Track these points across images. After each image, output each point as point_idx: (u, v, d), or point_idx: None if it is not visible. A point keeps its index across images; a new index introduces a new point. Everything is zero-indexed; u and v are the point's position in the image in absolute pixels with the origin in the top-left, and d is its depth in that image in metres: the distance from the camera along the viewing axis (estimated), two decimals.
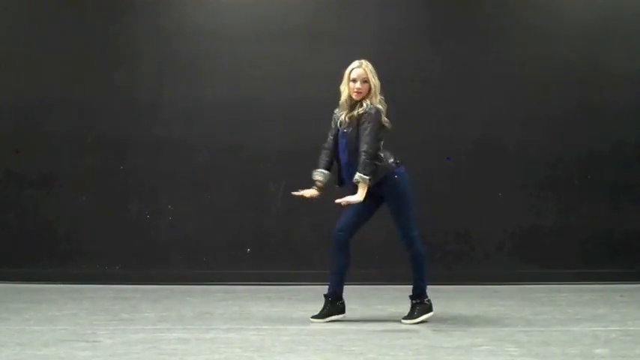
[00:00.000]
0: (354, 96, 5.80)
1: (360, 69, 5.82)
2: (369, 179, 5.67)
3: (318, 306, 6.72)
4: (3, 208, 8.14)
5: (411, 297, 6.03)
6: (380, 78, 8.12)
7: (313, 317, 5.98)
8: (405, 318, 5.96)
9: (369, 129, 5.72)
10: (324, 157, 5.96)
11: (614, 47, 8.18)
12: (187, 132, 8.14)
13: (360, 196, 5.67)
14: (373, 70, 5.86)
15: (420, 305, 5.98)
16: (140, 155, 8.14)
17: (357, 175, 5.66)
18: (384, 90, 8.19)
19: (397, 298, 7.15)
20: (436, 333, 5.57)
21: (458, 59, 8.15)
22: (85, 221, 8.09)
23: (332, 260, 5.99)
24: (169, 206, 8.15)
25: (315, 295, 7.29)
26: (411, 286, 6.06)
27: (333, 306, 6.00)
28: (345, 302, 6.05)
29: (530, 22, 8.20)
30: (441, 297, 7.13)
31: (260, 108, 8.11)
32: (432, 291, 7.52)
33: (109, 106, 8.13)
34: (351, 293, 7.35)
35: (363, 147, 5.68)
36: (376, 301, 7.02)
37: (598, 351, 4.94)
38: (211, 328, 5.71)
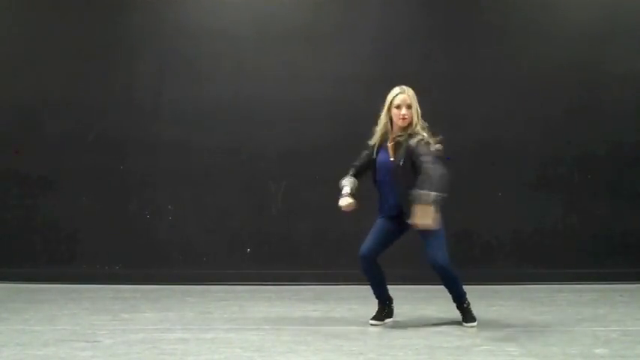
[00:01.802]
0: (399, 122, 5.70)
1: (403, 95, 5.74)
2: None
3: (319, 306, 6.74)
4: (3, 208, 8.14)
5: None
6: (379, 78, 8.18)
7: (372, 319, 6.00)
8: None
9: (429, 157, 5.54)
10: (352, 170, 6.05)
11: (614, 47, 8.18)
12: (187, 132, 8.14)
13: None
14: (415, 96, 5.79)
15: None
16: (140, 155, 8.14)
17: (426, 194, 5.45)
18: (384, 90, 8.24)
19: (397, 298, 7.15)
20: (436, 333, 5.57)
21: (458, 59, 8.15)
22: (85, 221, 8.09)
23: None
24: (169, 206, 8.14)
25: (315, 295, 7.30)
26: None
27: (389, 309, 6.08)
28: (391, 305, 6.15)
29: (530, 22, 8.20)
30: (441, 297, 7.13)
31: (260, 108, 8.11)
32: (432, 291, 7.55)
33: (109, 106, 8.13)
34: (352, 293, 7.36)
35: (434, 171, 5.48)
36: (376, 301, 7.00)
37: (598, 351, 4.94)
38: (211, 328, 5.71)
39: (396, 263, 8.01)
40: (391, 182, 5.74)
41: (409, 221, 5.57)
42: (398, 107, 5.71)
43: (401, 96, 5.73)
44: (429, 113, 8.10)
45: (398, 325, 5.87)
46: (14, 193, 8.14)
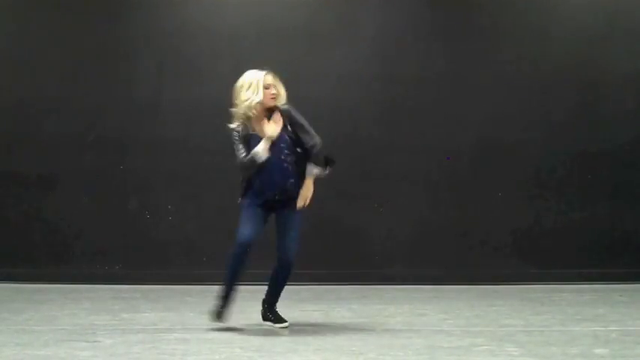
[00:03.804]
0: (270, 102, 5.62)
1: (270, 75, 5.66)
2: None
3: (318, 306, 6.75)
4: (3, 208, 8.14)
5: (273, 304, 5.89)
6: (380, 78, 8.19)
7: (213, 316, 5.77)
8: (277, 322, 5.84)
9: (306, 124, 5.71)
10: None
11: (613, 48, 8.19)
12: (187, 132, 8.14)
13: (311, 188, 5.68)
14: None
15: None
16: (140, 155, 8.14)
17: (318, 170, 5.64)
18: (384, 90, 8.26)
19: (397, 298, 7.16)
20: (436, 333, 5.57)
21: (458, 59, 8.15)
22: (85, 221, 8.09)
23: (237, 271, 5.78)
24: (169, 206, 8.15)
25: (315, 295, 7.31)
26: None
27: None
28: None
29: (530, 22, 8.20)
30: (441, 297, 7.14)
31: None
32: (432, 291, 7.56)
33: (109, 106, 8.14)
34: (351, 293, 7.37)
35: (315, 140, 5.65)
36: (376, 301, 7.02)
37: (598, 351, 4.94)
38: (211, 328, 5.71)
39: (396, 263, 8.05)
40: (279, 162, 5.60)
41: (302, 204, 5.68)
42: (267, 87, 5.63)
43: (269, 76, 5.65)
44: (429, 113, 8.17)
45: (398, 325, 5.86)
46: (14, 193, 8.14)
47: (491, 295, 7.33)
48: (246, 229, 5.72)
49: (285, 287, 7.69)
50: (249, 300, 7.02)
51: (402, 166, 8.08)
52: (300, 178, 5.67)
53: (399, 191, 8.08)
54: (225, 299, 5.81)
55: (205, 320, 6.07)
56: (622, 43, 8.19)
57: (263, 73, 5.65)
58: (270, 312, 5.88)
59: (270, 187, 5.64)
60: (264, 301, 5.91)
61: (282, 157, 5.61)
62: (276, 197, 5.69)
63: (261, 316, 5.92)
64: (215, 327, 5.78)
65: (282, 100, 5.70)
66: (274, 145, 5.60)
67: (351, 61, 8.16)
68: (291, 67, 8.12)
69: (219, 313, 5.79)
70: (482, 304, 6.76)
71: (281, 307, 6.68)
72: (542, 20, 8.21)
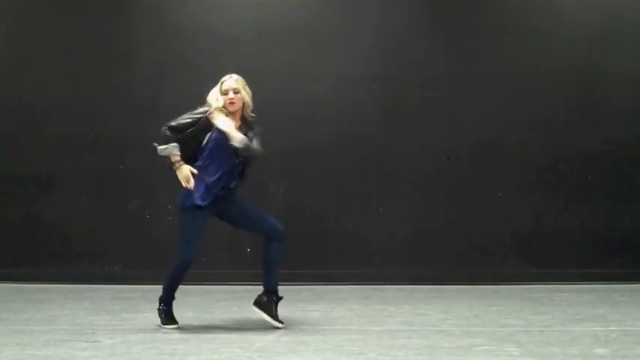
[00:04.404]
0: (229, 107, 5.86)
1: (230, 81, 5.89)
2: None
3: (318, 306, 6.75)
4: (3, 208, 8.14)
5: (274, 292, 5.88)
6: (380, 78, 8.18)
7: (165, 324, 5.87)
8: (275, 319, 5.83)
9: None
10: (174, 134, 6.07)
11: (613, 48, 8.18)
12: None
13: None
14: (245, 83, 5.95)
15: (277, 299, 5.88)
16: (140, 155, 8.12)
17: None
18: (384, 90, 8.25)
19: (397, 298, 7.16)
20: (436, 333, 5.57)
21: (458, 59, 8.15)
22: (85, 221, 8.09)
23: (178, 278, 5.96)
24: (169, 206, 8.13)
25: (315, 295, 7.31)
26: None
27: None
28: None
29: (530, 22, 8.19)
30: (441, 297, 7.14)
31: (260, 108, 8.08)
32: (432, 291, 7.56)
33: (109, 106, 8.13)
34: (351, 293, 7.37)
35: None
36: (376, 301, 7.02)
37: (598, 351, 4.94)
38: (211, 328, 5.71)
39: (396, 263, 8.05)
40: (233, 163, 5.85)
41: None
42: (226, 93, 5.88)
43: (228, 82, 5.90)
44: (429, 113, 8.17)
45: (398, 325, 5.86)
46: (14, 193, 8.14)
47: (491, 295, 7.33)
48: (190, 248, 5.92)
49: (285, 287, 7.71)
50: (248, 300, 7.02)
51: (402, 166, 8.08)
52: (241, 179, 5.93)
53: (399, 191, 8.08)
54: (169, 308, 5.92)
55: (205, 320, 6.08)
56: (622, 43, 8.19)
57: (224, 78, 5.92)
58: (272, 303, 5.81)
59: (217, 185, 5.85)
60: (265, 289, 5.84)
61: (236, 160, 5.83)
62: (219, 195, 5.86)
63: (253, 301, 5.83)
64: (215, 327, 5.78)
65: (248, 106, 5.96)
66: (229, 146, 5.76)
67: (351, 61, 8.16)
68: (292, 67, 8.15)
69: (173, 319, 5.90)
70: (482, 304, 6.76)
71: (281, 307, 6.68)
72: (542, 20, 8.20)
